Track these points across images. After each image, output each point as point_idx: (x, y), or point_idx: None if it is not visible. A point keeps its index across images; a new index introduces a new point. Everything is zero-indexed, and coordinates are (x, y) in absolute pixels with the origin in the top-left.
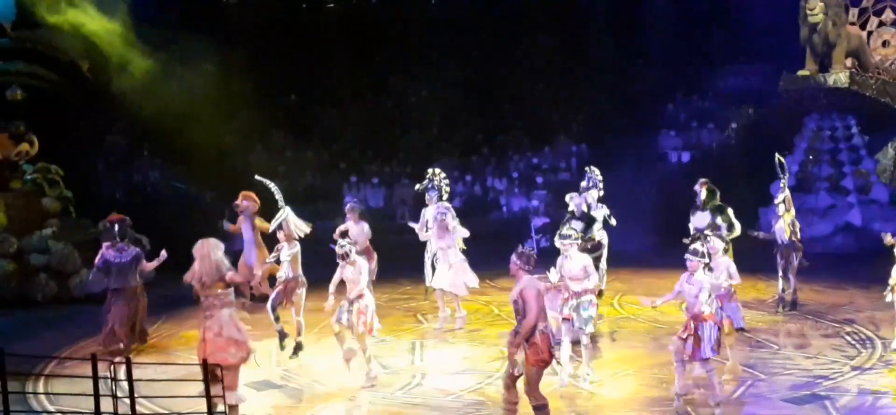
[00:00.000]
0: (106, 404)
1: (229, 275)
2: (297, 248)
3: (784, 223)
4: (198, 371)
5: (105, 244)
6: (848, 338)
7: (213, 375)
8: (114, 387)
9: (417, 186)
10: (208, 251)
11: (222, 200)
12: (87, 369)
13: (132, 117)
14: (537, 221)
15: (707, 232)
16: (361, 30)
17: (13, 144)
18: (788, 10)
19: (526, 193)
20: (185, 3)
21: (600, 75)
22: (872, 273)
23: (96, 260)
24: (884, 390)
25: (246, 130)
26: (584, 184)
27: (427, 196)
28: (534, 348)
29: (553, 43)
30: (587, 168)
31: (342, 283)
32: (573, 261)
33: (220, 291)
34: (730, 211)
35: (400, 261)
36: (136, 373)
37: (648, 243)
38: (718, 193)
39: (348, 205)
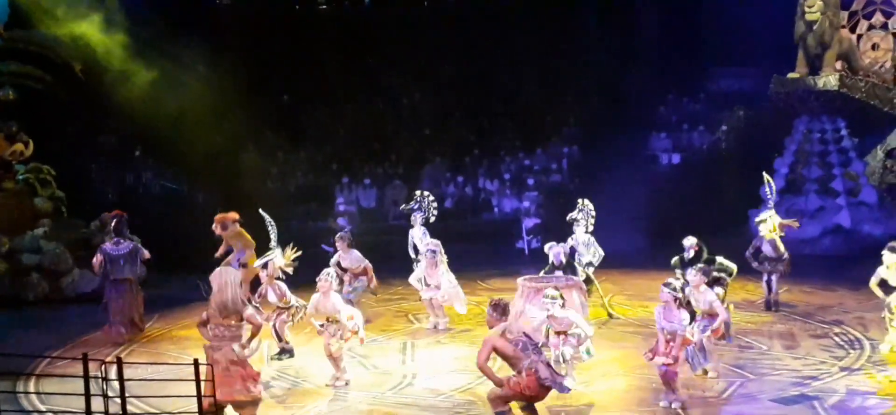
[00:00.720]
0: (97, 404)
1: (248, 313)
2: (284, 288)
3: (769, 238)
4: (189, 371)
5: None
6: (837, 339)
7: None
8: (105, 387)
9: (403, 206)
10: (226, 282)
11: (214, 200)
12: (78, 368)
13: (124, 118)
14: (528, 223)
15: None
16: (354, 31)
17: (7, 144)
18: (779, 13)
19: (517, 195)
20: (177, 3)
21: (592, 77)
22: (861, 274)
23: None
24: (871, 390)
25: (238, 130)
26: (573, 215)
27: (412, 217)
28: (518, 380)
29: (545, 45)
30: (580, 200)
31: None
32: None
33: (233, 323)
34: (720, 259)
35: (391, 262)
36: (127, 372)
37: (638, 245)
38: (706, 250)
39: (339, 234)
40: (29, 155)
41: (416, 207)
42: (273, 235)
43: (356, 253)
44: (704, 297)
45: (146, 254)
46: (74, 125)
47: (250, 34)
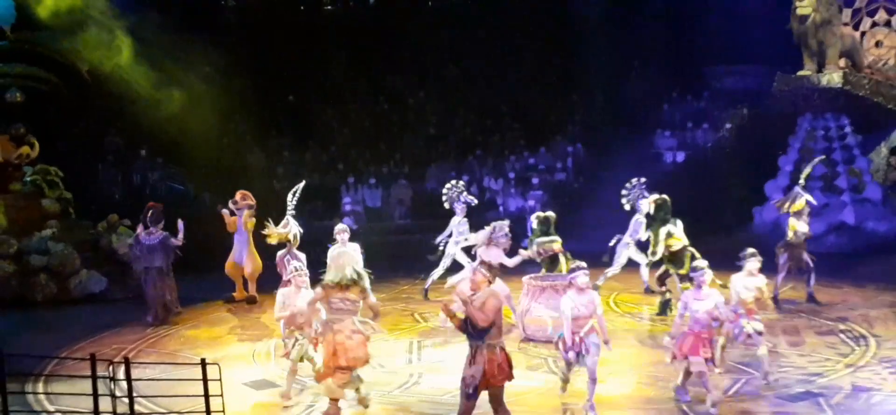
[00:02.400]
0: (105, 404)
1: (371, 301)
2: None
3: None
4: (196, 371)
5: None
6: (842, 336)
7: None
8: (113, 387)
9: (455, 203)
10: (345, 262)
11: (221, 201)
12: (86, 368)
13: (130, 119)
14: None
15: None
16: (359, 31)
17: (14, 146)
18: (782, 11)
19: (522, 194)
20: (183, 5)
21: (596, 76)
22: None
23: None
24: (876, 386)
25: (244, 130)
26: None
27: (458, 207)
28: (492, 360)
29: (549, 44)
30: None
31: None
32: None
33: (353, 296)
34: (671, 228)
35: (397, 261)
36: (135, 373)
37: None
38: (668, 212)
39: (337, 227)
40: (36, 156)
41: (457, 196)
42: (293, 202)
43: (354, 245)
44: (754, 281)
45: (175, 242)
46: (81, 126)
47: (256, 35)
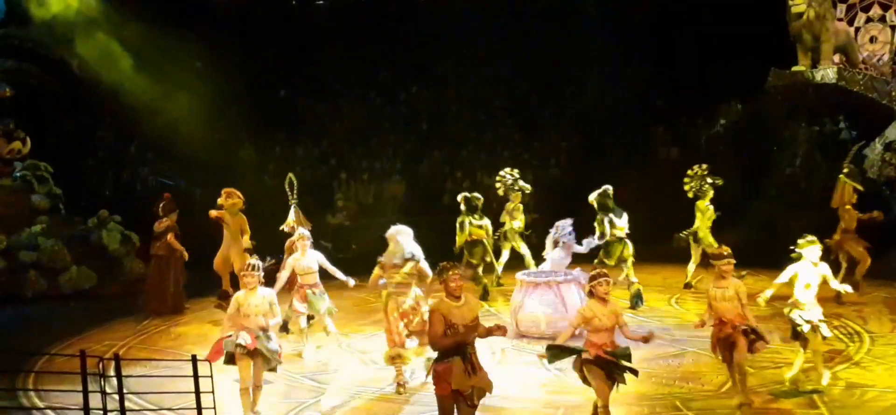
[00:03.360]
0: (95, 401)
1: (423, 264)
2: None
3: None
4: (187, 367)
5: None
6: (836, 331)
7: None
8: (103, 383)
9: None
10: (395, 235)
11: (212, 196)
12: (76, 365)
13: (121, 114)
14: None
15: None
16: (351, 25)
17: (5, 141)
18: (777, 6)
19: None
20: (174, 1)
21: (590, 70)
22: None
23: None
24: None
25: (235, 125)
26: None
27: (512, 195)
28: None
29: (542, 37)
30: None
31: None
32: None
33: (411, 271)
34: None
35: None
36: (125, 370)
37: (634, 238)
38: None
39: (298, 231)
40: (26, 152)
41: (516, 188)
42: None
43: (317, 254)
44: (819, 271)
45: (168, 237)
46: (71, 122)
47: (247, 30)
